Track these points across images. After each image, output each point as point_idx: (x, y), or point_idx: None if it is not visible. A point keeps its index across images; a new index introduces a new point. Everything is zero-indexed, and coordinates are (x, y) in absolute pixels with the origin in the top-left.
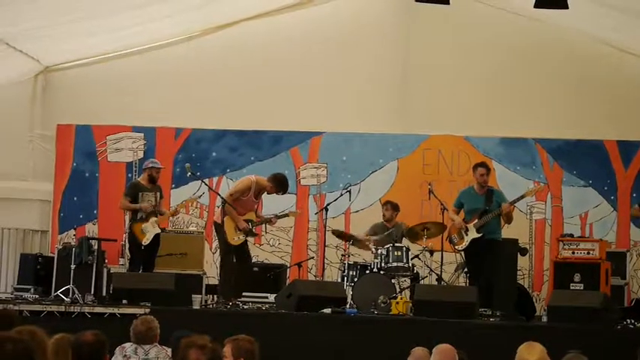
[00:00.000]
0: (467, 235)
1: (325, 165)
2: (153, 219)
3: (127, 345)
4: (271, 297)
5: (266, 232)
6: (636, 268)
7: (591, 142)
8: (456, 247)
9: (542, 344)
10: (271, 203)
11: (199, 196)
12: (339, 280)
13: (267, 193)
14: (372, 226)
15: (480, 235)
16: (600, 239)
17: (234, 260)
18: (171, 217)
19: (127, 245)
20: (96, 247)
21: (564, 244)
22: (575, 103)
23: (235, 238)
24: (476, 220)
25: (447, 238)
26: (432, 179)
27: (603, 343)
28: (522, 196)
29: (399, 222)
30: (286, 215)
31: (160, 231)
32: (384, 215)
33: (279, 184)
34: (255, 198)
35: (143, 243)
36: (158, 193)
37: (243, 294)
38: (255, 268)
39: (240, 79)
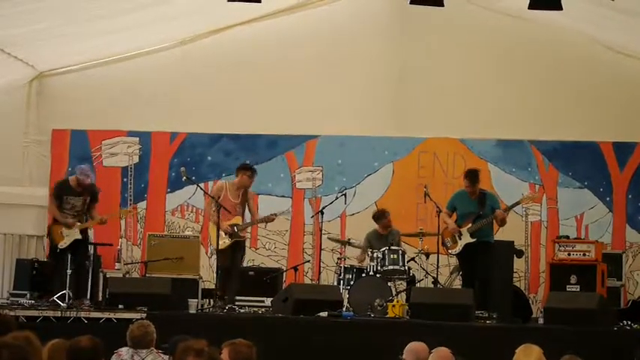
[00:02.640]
0: (460, 239)
1: (320, 168)
2: (77, 224)
3: (124, 350)
4: (267, 301)
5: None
6: (632, 269)
7: (587, 143)
8: (450, 251)
9: (538, 346)
10: (268, 206)
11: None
12: (336, 283)
13: (247, 186)
14: (366, 236)
15: (473, 240)
16: (596, 241)
17: (231, 263)
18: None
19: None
20: (92, 251)
21: (560, 246)
22: (571, 105)
23: (220, 242)
24: (469, 225)
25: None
26: (427, 182)
27: (600, 345)
28: (517, 203)
29: (393, 228)
30: (275, 215)
31: (80, 237)
32: (382, 226)
33: (239, 168)
34: (237, 199)
35: (59, 246)
36: (88, 197)
37: (241, 298)
38: (251, 272)
39: (235, 83)
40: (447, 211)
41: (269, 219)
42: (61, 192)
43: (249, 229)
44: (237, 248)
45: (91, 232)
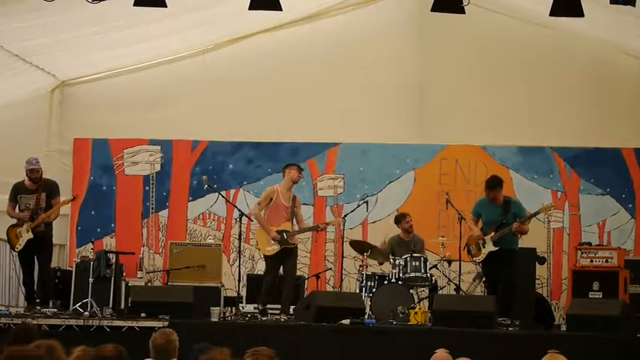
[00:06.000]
0: (484, 247)
1: (342, 176)
2: (27, 224)
3: None
4: (290, 308)
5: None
6: None
7: (609, 150)
8: (474, 258)
9: (562, 353)
10: None
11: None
12: (358, 290)
13: (296, 181)
14: (388, 240)
15: (496, 248)
16: (618, 247)
17: (282, 270)
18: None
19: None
20: (114, 260)
21: (582, 253)
22: (593, 111)
23: (269, 249)
24: (493, 233)
25: (464, 248)
26: (449, 189)
27: (623, 352)
28: (537, 213)
29: (416, 235)
30: (327, 224)
31: (32, 236)
32: (403, 230)
33: (285, 167)
34: (289, 202)
35: (16, 248)
36: (44, 194)
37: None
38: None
39: (256, 91)
40: (473, 218)
41: (320, 228)
42: (15, 192)
43: (300, 236)
44: (288, 255)
45: (112, 241)
